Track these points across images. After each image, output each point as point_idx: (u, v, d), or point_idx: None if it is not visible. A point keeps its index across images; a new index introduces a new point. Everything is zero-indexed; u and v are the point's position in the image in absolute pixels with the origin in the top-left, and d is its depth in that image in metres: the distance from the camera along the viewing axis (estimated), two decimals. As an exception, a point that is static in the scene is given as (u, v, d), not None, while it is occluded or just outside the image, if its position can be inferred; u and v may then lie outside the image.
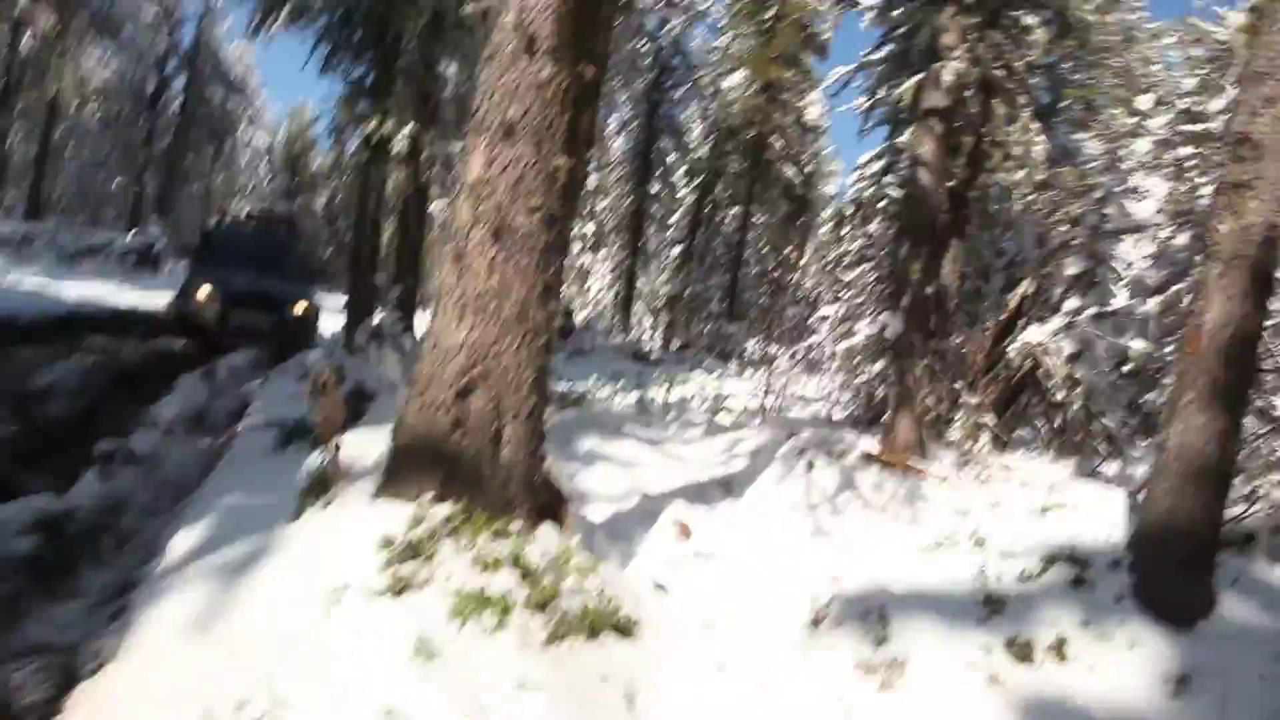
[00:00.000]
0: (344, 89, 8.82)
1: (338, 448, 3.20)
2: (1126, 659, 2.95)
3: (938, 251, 7.53)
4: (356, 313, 8.44)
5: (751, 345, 16.46)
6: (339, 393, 3.27)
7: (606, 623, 2.74)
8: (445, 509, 2.86)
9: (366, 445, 3.60)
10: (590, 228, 22.05)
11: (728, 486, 6.00)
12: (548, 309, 3.26)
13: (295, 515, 3.22)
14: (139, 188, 27.81)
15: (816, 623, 3.19)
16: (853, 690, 2.73)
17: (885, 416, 7.38)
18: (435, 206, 13.29)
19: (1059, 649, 2.99)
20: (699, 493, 5.59)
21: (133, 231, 22.84)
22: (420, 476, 3.02)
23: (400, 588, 2.53)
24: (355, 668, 2.17)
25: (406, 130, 7.72)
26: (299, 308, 11.29)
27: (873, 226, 12.44)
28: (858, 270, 12.95)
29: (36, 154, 23.58)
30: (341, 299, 22.19)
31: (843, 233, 16.53)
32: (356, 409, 4.77)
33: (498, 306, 3.11)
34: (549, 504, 3.39)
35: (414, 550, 2.66)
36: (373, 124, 7.78)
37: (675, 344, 19.88)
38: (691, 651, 2.86)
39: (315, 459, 3.36)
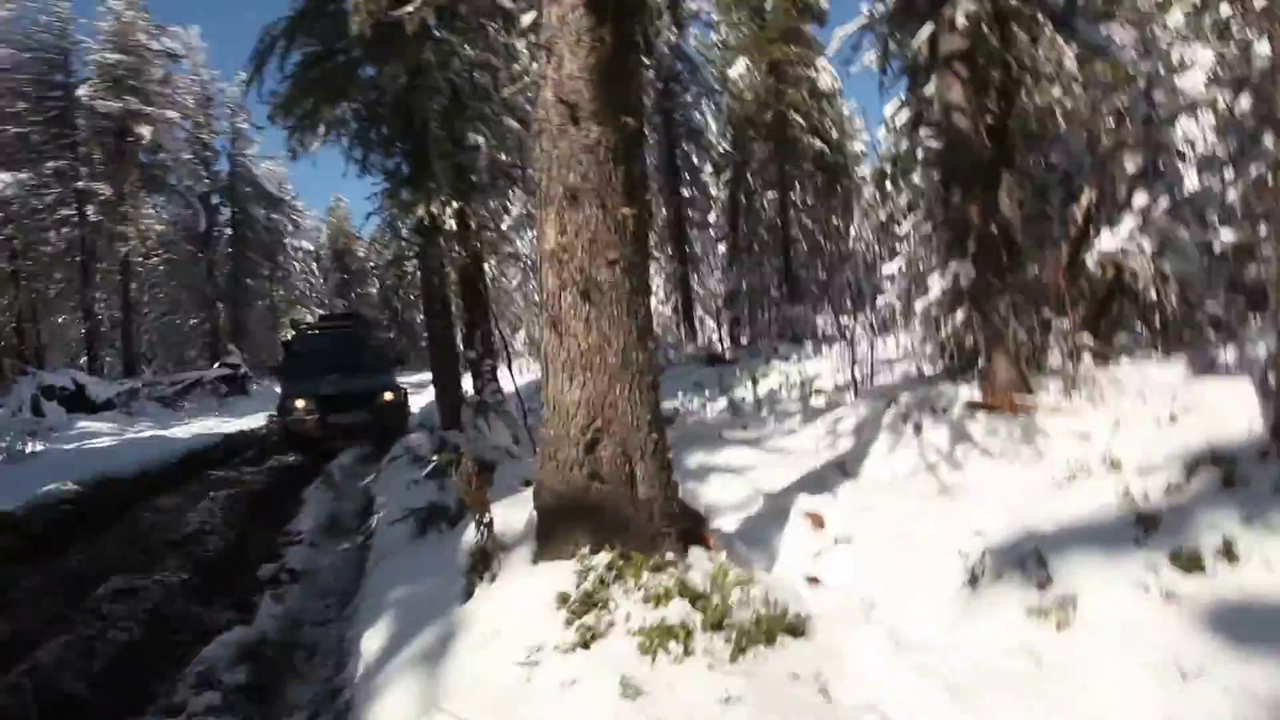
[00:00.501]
0: (385, 182, 9.28)
1: (490, 524, 3.43)
2: (1302, 546, 2.91)
3: (991, 189, 7.41)
4: (445, 389, 8.81)
5: (822, 321, 16.39)
6: (477, 472, 3.50)
7: (779, 627, 2.87)
8: (604, 557, 3.05)
9: (508, 515, 3.83)
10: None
11: (843, 468, 6.06)
12: (647, 349, 3.44)
13: (466, 594, 3.46)
14: (212, 320, 29.49)
15: (974, 580, 3.24)
16: (1032, 636, 2.78)
17: (980, 361, 7.28)
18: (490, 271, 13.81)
19: (1228, 551, 2.97)
20: (817, 480, 5.67)
21: (217, 364, 24.26)
22: (571, 533, 3.23)
23: (588, 639, 2.73)
24: (576, 718, 2.37)
25: (451, 208, 8.07)
26: (386, 396, 11.87)
27: (916, 178, 12.28)
28: (909, 224, 12.81)
29: (121, 314, 25.30)
30: (415, 376, 23.03)
31: (885, 191, 16.36)
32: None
33: (602, 360, 3.30)
34: (691, 529, 3.56)
35: (589, 601, 2.86)
36: (419, 210, 8.16)
37: (745, 339, 19.90)
38: (864, 635, 2.96)
39: (471, 537, 3.60)
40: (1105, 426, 5.19)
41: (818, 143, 19.50)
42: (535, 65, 3.60)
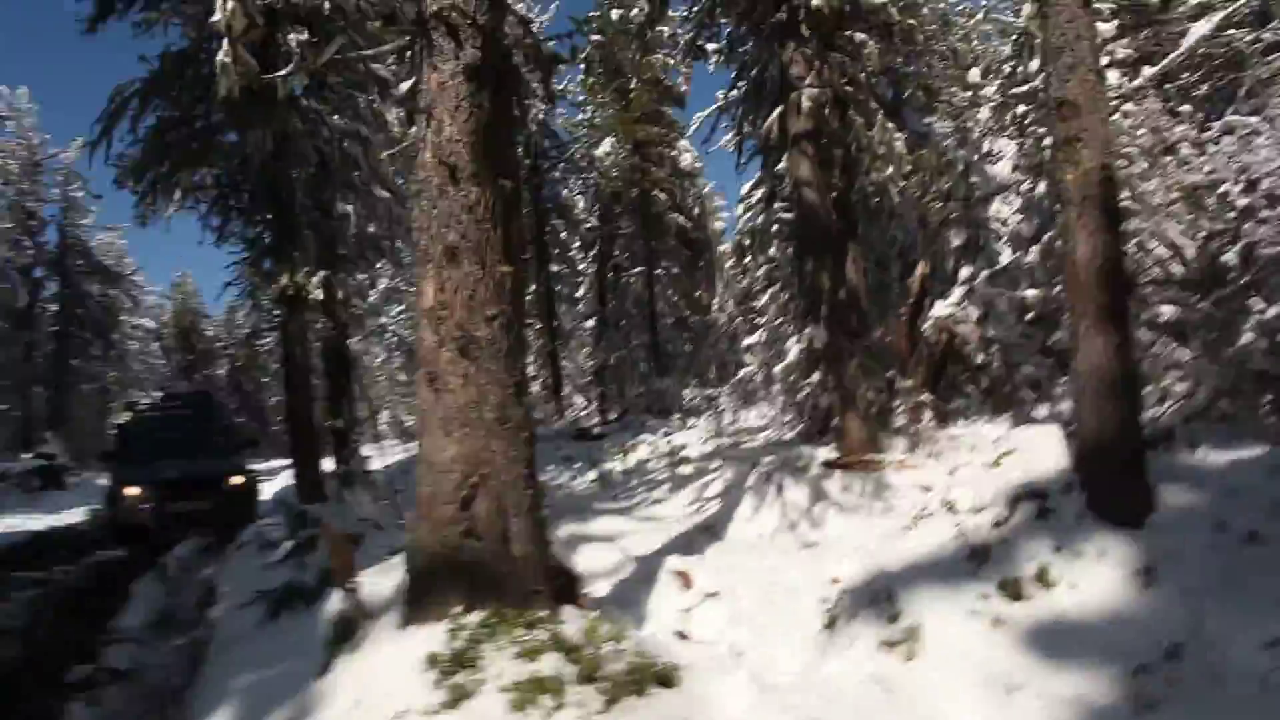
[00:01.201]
0: (245, 252, 8.93)
1: (355, 589, 3.27)
2: (1099, 568, 3.28)
3: (839, 259, 8.09)
4: (304, 464, 8.35)
5: (688, 394, 16.87)
6: (345, 540, 3.34)
7: (650, 677, 2.90)
8: (477, 616, 2.99)
9: (375, 583, 3.67)
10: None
11: (711, 530, 6.21)
12: (524, 405, 3.49)
13: (324, 667, 3.26)
14: (26, 406, 26.53)
15: (832, 622, 3.41)
16: (884, 667, 2.96)
17: (834, 422, 7.76)
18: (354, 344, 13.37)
19: (1043, 577, 3.31)
20: (686, 543, 5.78)
21: (29, 454, 21.70)
22: (443, 593, 3.14)
23: (456, 698, 2.65)
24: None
25: (318, 278, 7.85)
26: (234, 480, 11.02)
27: (772, 250, 13.16)
28: (767, 295, 13.62)
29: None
30: (266, 464, 21.57)
31: (744, 263, 17.33)
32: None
33: (479, 415, 3.31)
34: (564, 586, 3.55)
35: (460, 660, 2.78)
36: (283, 279, 7.88)
37: (613, 414, 20.11)
38: (730, 681, 3.03)
39: (333, 608, 3.40)
40: (943, 476, 5.65)
41: (680, 219, 20.48)
42: (413, 130, 3.69)
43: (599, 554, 5.70)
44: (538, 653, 2.84)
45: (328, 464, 9.15)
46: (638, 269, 21.92)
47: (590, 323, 23.28)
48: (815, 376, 8.97)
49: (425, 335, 3.44)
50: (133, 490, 10.20)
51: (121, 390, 32.61)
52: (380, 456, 12.86)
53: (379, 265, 11.13)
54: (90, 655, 5.09)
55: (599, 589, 4.67)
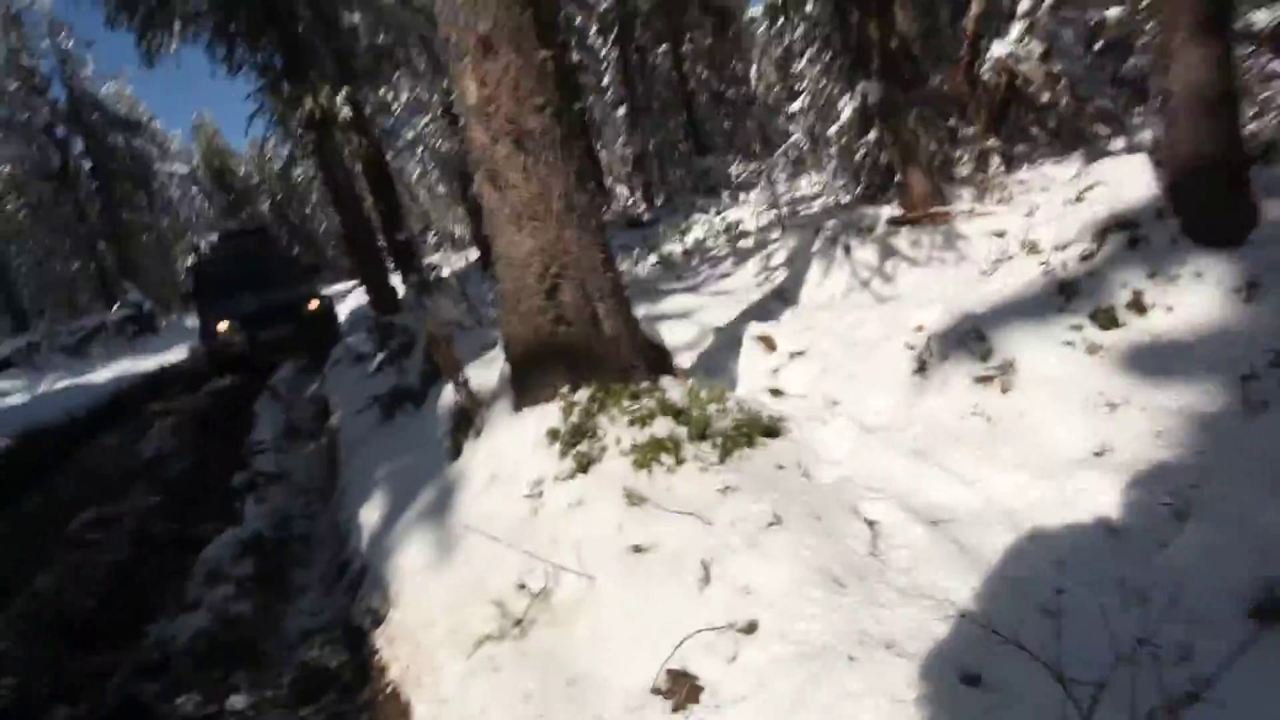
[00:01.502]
0: (260, 80, 8.64)
1: (467, 381, 3.52)
2: (1197, 289, 3.27)
3: (886, 5, 7.43)
4: (374, 280, 8.63)
5: (734, 170, 16.40)
6: (448, 339, 3.54)
7: (757, 430, 3.11)
8: (585, 392, 3.20)
9: (478, 377, 3.92)
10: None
11: (782, 296, 6.33)
12: (588, 192, 3.48)
13: (454, 453, 3.60)
14: (97, 261, 27.50)
15: (923, 366, 3.55)
16: (981, 400, 3.11)
17: (895, 180, 7.53)
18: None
19: (1137, 303, 3.33)
20: (760, 311, 5.92)
21: (117, 305, 22.83)
22: (546, 377, 3.35)
23: (585, 464, 2.91)
24: (591, 530, 2.58)
25: (342, 94, 7.62)
26: (312, 305, 11.52)
27: (810, 6, 12.09)
28: (806, 57, 12.70)
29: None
30: (329, 288, 22.27)
31: (779, 26, 16.01)
32: (432, 359, 5.07)
33: (547, 207, 3.32)
34: (657, 360, 3.73)
35: (579, 432, 3.03)
36: (307, 102, 7.68)
37: (660, 199, 19.79)
38: (831, 427, 3.25)
39: (446, 404, 3.69)
40: (1018, 220, 5.53)
41: (708, -15, 18.80)
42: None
43: (677, 329, 5.91)
44: (649, 418, 3.07)
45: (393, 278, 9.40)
46: (663, 47, 20.49)
47: (621, 110, 22.28)
48: (871, 135, 8.58)
49: (476, 134, 3.38)
50: (223, 324, 10.78)
51: (177, 236, 33.39)
52: (442, 265, 13.15)
53: (396, 77, 10.62)
54: (242, 464, 5.71)
55: (684, 361, 4.90)
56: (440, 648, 2.45)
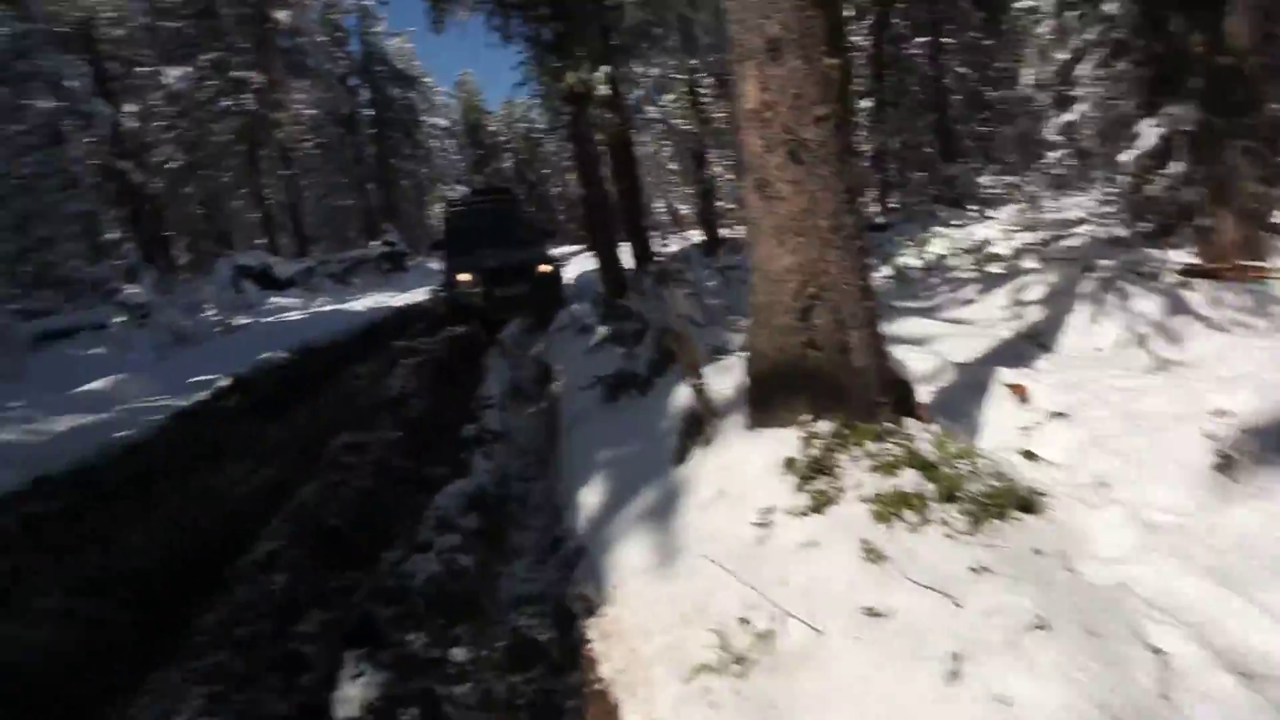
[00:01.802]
0: (528, 51, 9.16)
1: (705, 387, 3.51)
2: None
3: (1216, 8, 6.40)
4: (606, 258, 8.93)
5: (984, 181, 15.19)
6: (691, 341, 3.55)
7: (1010, 501, 2.83)
8: (828, 425, 3.08)
9: (710, 381, 3.92)
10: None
11: (1036, 339, 5.74)
12: (857, 213, 3.31)
13: (679, 457, 3.62)
14: (365, 201, 31.01)
15: (1228, 462, 3.04)
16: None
17: (1194, 221, 6.55)
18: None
19: None
20: (1009, 352, 5.42)
21: (377, 242, 25.67)
22: (787, 400, 3.26)
23: (819, 503, 2.80)
24: (822, 577, 2.48)
25: (602, 73, 7.88)
26: (543, 269, 12.20)
27: (1109, 5, 10.76)
28: (1093, 62, 11.34)
29: (287, 198, 27.07)
30: (559, 250, 23.49)
31: (1064, 22, 14.44)
32: (665, 350, 5.14)
33: (813, 223, 3.21)
34: (902, 398, 3.51)
35: (817, 468, 2.92)
36: (570, 77, 8.02)
37: (893, 203, 18.82)
38: (1104, 515, 2.87)
39: (677, 402, 3.72)
40: (1363, 292, 4.61)
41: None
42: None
43: (912, 357, 5.53)
44: (894, 467, 2.89)
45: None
46: (921, 38, 19.26)
47: (866, 103, 21.31)
48: (1173, 166, 7.51)
49: (750, 139, 3.31)
50: (465, 276, 11.70)
51: (431, 184, 36.84)
52: (666, 246, 13.40)
53: (650, 54, 10.80)
54: (472, 417, 6.18)
55: (919, 395, 4.60)
56: (657, 662, 2.47)
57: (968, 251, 9.64)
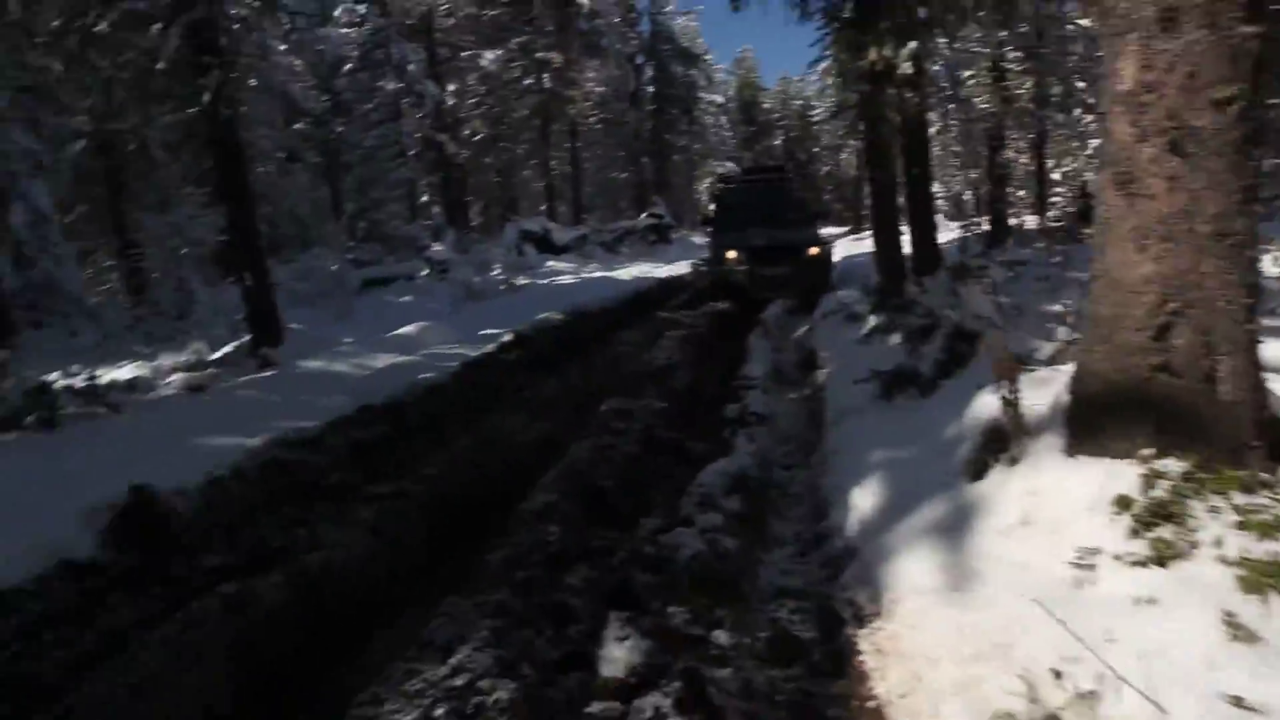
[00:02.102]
0: (826, 27, 8.81)
1: (1016, 402, 3.13)
2: None
3: None
4: (886, 246, 8.44)
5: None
6: (1010, 353, 3.18)
7: None
8: (1177, 464, 2.58)
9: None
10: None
11: None
12: (1251, 217, 2.71)
13: (975, 472, 3.27)
14: (638, 174, 32.44)
15: None
16: None
17: None
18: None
19: None
20: None
21: (644, 214, 26.79)
22: (1124, 429, 2.79)
23: (1162, 555, 2.36)
24: (1165, 645, 2.08)
25: (908, 50, 7.34)
26: (812, 251, 11.89)
27: None
28: None
29: (570, 169, 29.17)
30: (827, 230, 22.89)
31: None
32: (955, 351, 4.71)
33: (1189, 228, 2.67)
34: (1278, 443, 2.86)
35: (1161, 513, 2.46)
36: (871, 54, 7.58)
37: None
38: None
39: (981, 413, 3.36)
40: None
41: None
42: None
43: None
44: (1272, 528, 2.34)
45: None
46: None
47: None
48: None
49: (1118, 127, 2.81)
50: (731, 253, 11.75)
51: (701, 160, 37.58)
52: (941, 233, 12.41)
53: (957, 28, 9.89)
54: (734, 396, 6.16)
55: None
56: (947, 698, 2.24)
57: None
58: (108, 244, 18.51)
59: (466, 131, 26.70)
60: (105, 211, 16.25)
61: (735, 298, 11.66)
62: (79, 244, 15.31)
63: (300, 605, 3.47)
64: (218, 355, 8.84)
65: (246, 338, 9.21)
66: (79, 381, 6.70)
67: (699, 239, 27.70)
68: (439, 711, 2.38)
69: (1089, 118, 14.83)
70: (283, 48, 13.09)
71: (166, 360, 8.81)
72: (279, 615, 3.36)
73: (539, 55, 25.82)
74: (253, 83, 9.39)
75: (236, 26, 8.58)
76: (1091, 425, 2.92)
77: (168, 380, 7.89)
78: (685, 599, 3.33)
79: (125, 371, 8.26)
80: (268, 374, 7.88)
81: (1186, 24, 2.63)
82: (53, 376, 6.83)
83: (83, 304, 11.59)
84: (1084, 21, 13.85)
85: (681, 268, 19.17)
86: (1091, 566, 2.46)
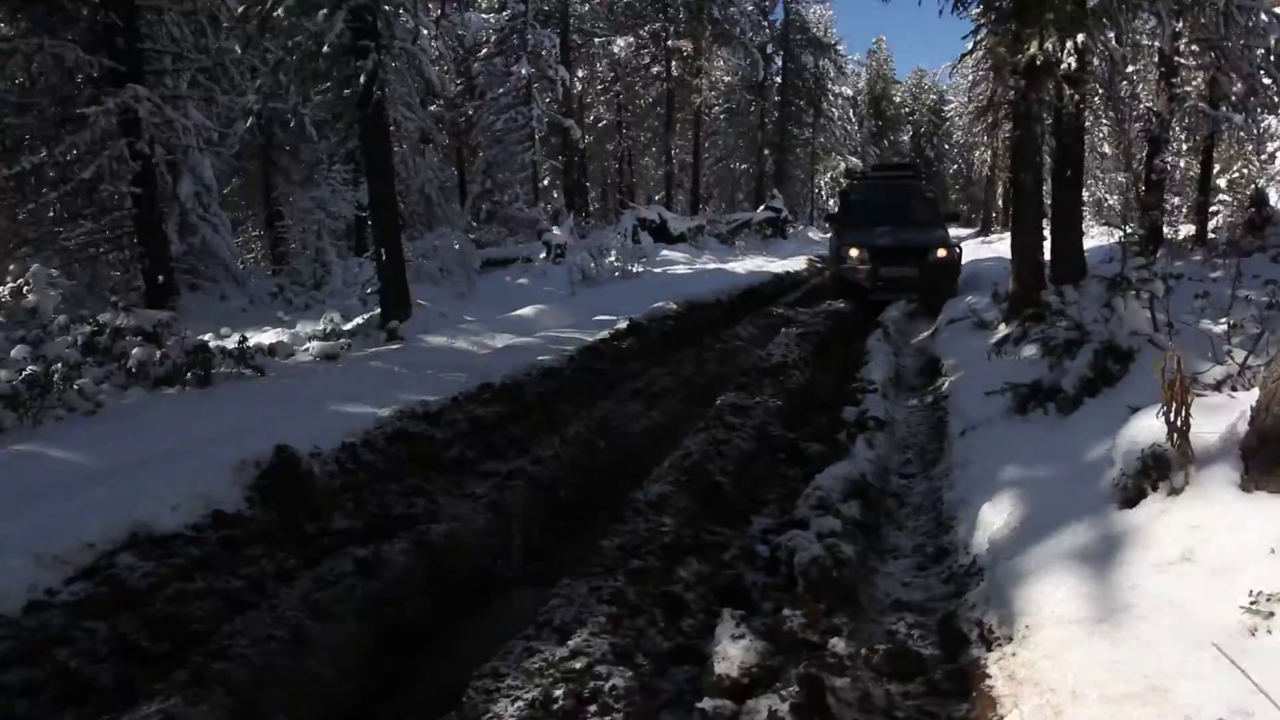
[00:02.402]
0: (980, 18, 8.37)
1: (1189, 427, 2.86)
2: None
3: None
4: (1024, 252, 7.95)
5: None
6: (1183, 375, 2.90)
7: None
8: (1377, 510, 2.30)
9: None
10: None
11: None
12: None
13: (1128, 499, 3.03)
14: (759, 165, 31.99)
15: None
16: None
17: None
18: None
19: None
20: None
21: (762, 207, 26.42)
22: (1313, 466, 2.51)
23: (1354, 610, 2.10)
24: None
25: (1073, 42, 6.85)
26: (939, 253, 11.38)
27: None
28: None
29: (691, 158, 29.11)
30: (959, 232, 21.80)
31: None
32: (1104, 369, 4.37)
33: None
34: None
35: (1355, 562, 2.19)
36: (1031, 46, 7.12)
37: None
38: None
39: (1141, 437, 3.09)
40: None
41: None
42: None
43: None
44: None
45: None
46: None
47: None
48: None
49: None
50: (854, 252, 11.41)
51: (825, 154, 36.65)
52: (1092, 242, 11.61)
53: (1124, 21, 9.13)
54: (852, 399, 5.98)
55: None
56: (1090, 739, 2.08)
57: None
58: (255, 215, 19.99)
59: (591, 117, 27.09)
60: (257, 185, 17.53)
61: (856, 298, 11.33)
62: (232, 215, 16.57)
63: (423, 573, 3.62)
64: (350, 326, 9.34)
65: (377, 311, 9.70)
66: (230, 344, 7.22)
67: (816, 235, 27.12)
68: (557, 692, 2.41)
69: (1271, 119, 13.41)
70: (428, 32, 13.63)
71: (304, 328, 9.39)
72: (404, 581, 3.51)
73: (670, 43, 25.83)
74: (399, 63, 9.80)
75: (391, 9, 8.97)
76: (1275, 460, 2.64)
77: (305, 347, 8.42)
78: (800, 602, 3.26)
79: (268, 337, 8.87)
80: (395, 347, 8.27)
81: None
82: (206, 337, 7.41)
83: (233, 271, 12.51)
84: (1280, 10, 12.46)
85: (798, 264, 18.80)
86: (1268, 615, 2.22)
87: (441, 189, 22.74)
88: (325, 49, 8.42)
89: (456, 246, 14.41)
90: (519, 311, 10.35)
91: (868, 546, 3.88)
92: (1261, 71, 10.31)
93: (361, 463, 5.12)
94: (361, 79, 8.55)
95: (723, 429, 5.33)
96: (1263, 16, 9.22)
